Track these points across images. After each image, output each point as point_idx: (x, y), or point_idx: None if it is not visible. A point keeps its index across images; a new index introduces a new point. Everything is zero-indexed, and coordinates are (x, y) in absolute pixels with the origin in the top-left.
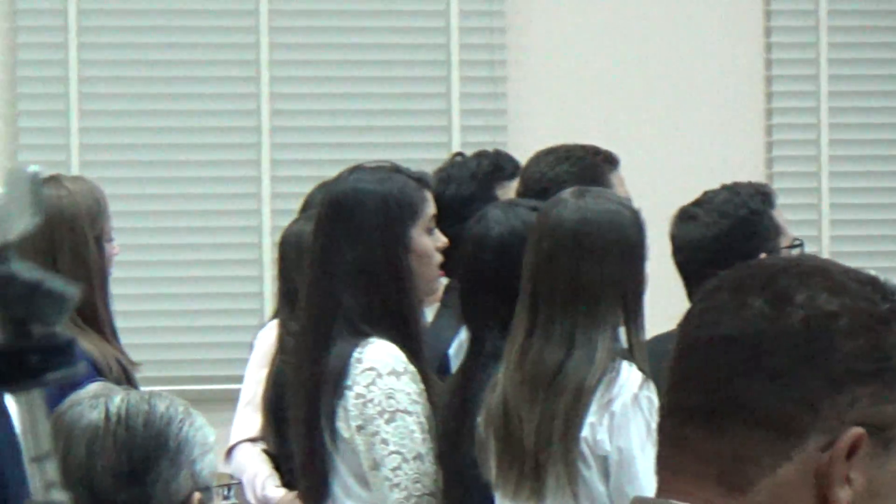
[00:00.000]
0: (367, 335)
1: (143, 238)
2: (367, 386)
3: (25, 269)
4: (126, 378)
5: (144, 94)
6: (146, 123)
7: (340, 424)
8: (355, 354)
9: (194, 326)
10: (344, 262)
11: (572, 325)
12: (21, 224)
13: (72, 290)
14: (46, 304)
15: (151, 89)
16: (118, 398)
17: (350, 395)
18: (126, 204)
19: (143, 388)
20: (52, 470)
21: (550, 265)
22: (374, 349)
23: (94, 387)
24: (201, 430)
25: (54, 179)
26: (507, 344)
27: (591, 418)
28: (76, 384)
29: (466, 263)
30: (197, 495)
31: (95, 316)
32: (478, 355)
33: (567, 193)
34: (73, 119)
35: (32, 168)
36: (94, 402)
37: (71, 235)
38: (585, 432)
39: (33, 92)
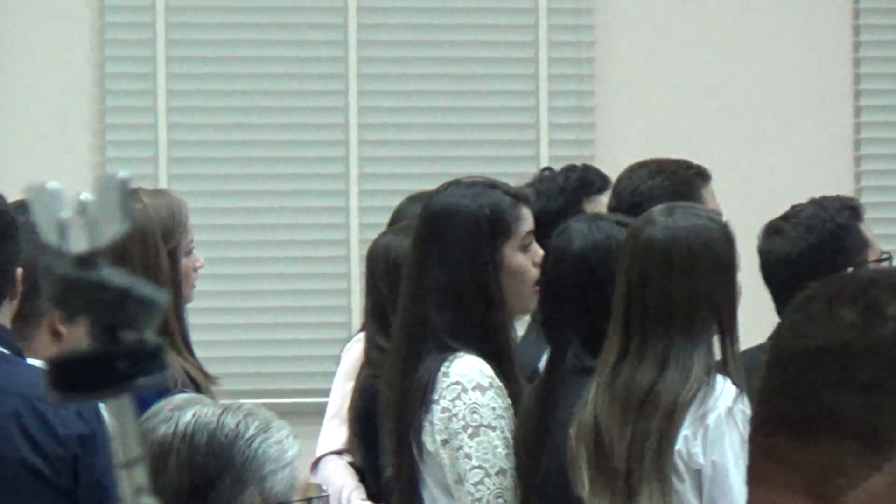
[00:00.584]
0: (455, 350)
1: (231, 251)
2: (452, 400)
3: (115, 276)
4: (197, 392)
5: (232, 107)
6: (234, 136)
7: (427, 438)
8: (442, 369)
9: (283, 340)
10: (434, 277)
11: (666, 344)
12: (110, 230)
13: (162, 297)
14: (136, 310)
15: (239, 102)
16: (191, 412)
17: (436, 410)
18: (214, 217)
19: (227, 401)
20: (141, 475)
21: (642, 285)
22: (460, 364)
23: (180, 397)
24: (278, 445)
25: (133, 192)
26: (598, 364)
27: (685, 431)
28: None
29: (547, 276)
30: None
31: (167, 328)
32: (557, 368)
33: (656, 211)
34: (160, 132)
35: (121, 174)
36: (170, 414)
37: (142, 248)
38: (679, 445)
39: (121, 105)
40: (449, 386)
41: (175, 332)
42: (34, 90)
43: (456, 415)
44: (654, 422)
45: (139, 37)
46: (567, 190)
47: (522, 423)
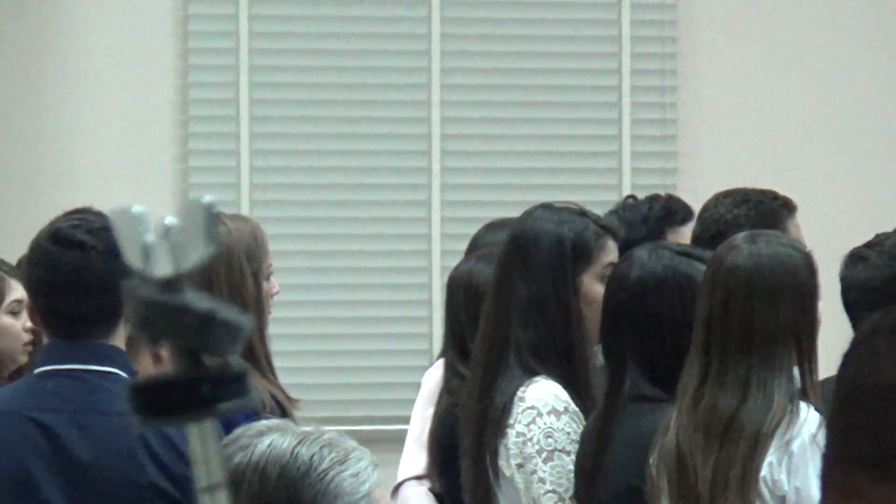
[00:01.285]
0: (535, 372)
1: (312, 278)
2: (527, 424)
3: (199, 300)
4: (283, 414)
5: (314, 133)
6: (316, 163)
7: (502, 462)
8: (519, 393)
9: (364, 367)
10: (517, 298)
11: (747, 371)
12: (195, 254)
13: (245, 321)
14: (220, 334)
15: (321, 129)
16: (267, 442)
17: (511, 434)
18: (296, 243)
19: (309, 429)
20: (223, 500)
21: (724, 312)
22: (536, 388)
23: (261, 424)
24: (353, 478)
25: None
26: (678, 391)
27: (770, 458)
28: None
29: (606, 302)
30: None
31: (252, 350)
32: (614, 395)
33: (740, 238)
34: (243, 158)
35: (207, 198)
36: (248, 442)
37: (228, 270)
38: (764, 472)
39: (204, 131)
40: (524, 410)
41: (260, 355)
42: (117, 117)
43: (531, 439)
44: (737, 450)
45: (222, 62)
46: (650, 220)
47: (581, 450)
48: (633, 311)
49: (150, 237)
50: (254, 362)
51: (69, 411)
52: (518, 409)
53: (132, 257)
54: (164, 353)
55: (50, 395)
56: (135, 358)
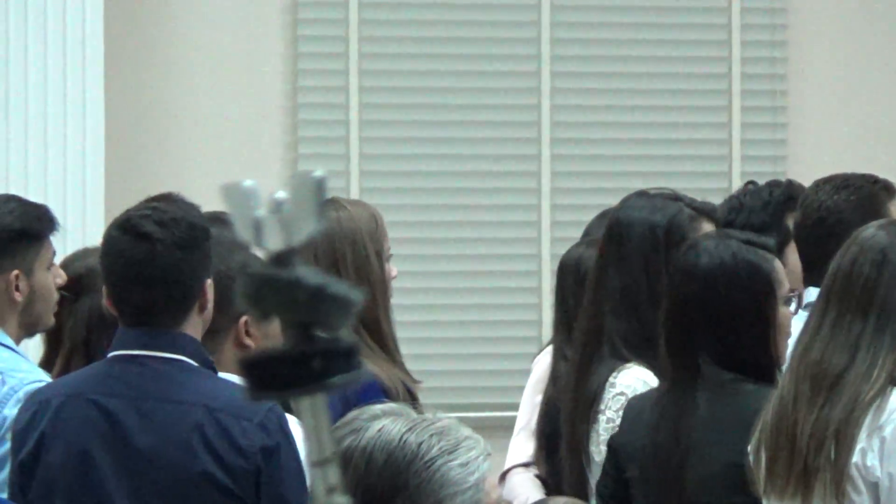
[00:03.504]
0: (627, 360)
1: (421, 265)
2: (616, 410)
3: (310, 274)
4: (412, 399)
5: (423, 121)
6: (425, 150)
7: (593, 448)
8: (610, 379)
9: (473, 354)
10: (612, 284)
11: (859, 332)
12: (305, 229)
13: (356, 295)
14: (331, 308)
15: (430, 116)
16: (377, 427)
17: (602, 420)
18: (405, 231)
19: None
20: (333, 474)
21: (851, 270)
22: (627, 374)
23: (376, 408)
24: (462, 468)
25: (334, 201)
26: (794, 343)
27: (861, 444)
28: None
29: (672, 292)
30: None
31: (380, 331)
32: (683, 383)
33: (884, 221)
34: (352, 145)
35: (317, 173)
36: (359, 425)
37: (353, 250)
38: (856, 458)
39: (313, 118)
40: (614, 396)
41: (387, 337)
42: (228, 94)
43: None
44: (835, 412)
45: (332, 50)
46: (771, 204)
47: (651, 438)
48: (704, 301)
49: (261, 212)
50: (381, 344)
51: (131, 397)
52: (608, 394)
53: (243, 232)
54: (250, 342)
55: (115, 381)
56: (218, 349)
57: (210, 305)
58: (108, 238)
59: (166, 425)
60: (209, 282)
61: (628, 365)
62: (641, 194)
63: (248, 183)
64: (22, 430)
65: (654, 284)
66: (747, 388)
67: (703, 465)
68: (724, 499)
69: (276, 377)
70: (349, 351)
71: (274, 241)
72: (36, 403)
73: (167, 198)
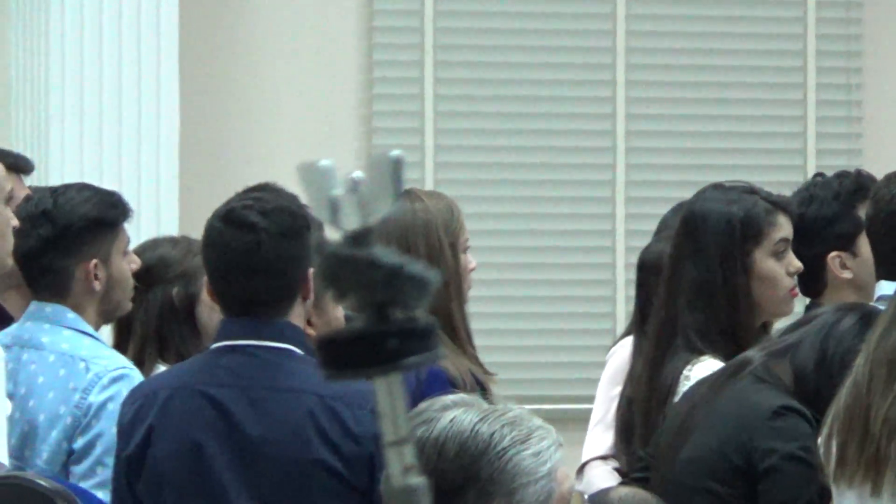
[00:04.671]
0: (701, 352)
1: (495, 257)
2: None
3: (386, 254)
4: (482, 391)
5: (498, 112)
6: (500, 142)
7: None
8: (685, 371)
9: (547, 346)
10: (687, 277)
11: None
12: (382, 208)
13: (432, 275)
14: (407, 288)
15: (505, 108)
16: (449, 417)
17: None
18: (479, 222)
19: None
20: (409, 454)
21: None
22: (701, 367)
23: (448, 398)
24: (534, 458)
25: (409, 192)
26: (872, 329)
27: None
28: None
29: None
30: None
31: (451, 322)
32: (725, 373)
33: None
34: (427, 137)
35: (394, 152)
36: (432, 416)
37: (426, 241)
38: None
39: (388, 109)
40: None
41: (459, 328)
42: (304, 74)
43: None
44: None
45: (406, 42)
46: (842, 195)
47: (669, 419)
48: None
49: (338, 191)
50: (452, 335)
51: (241, 387)
52: (683, 387)
53: (319, 212)
54: (310, 330)
55: (223, 371)
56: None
57: (312, 295)
58: (211, 229)
59: (278, 414)
60: (311, 270)
61: (703, 357)
62: (717, 187)
63: (324, 162)
64: (128, 424)
65: (729, 277)
66: (758, 386)
67: (694, 448)
68: (701, 483)
69: (352, 357)
70: (425, 331)
71: (350, 221)
72: (141, 397)
73: (266, 187)
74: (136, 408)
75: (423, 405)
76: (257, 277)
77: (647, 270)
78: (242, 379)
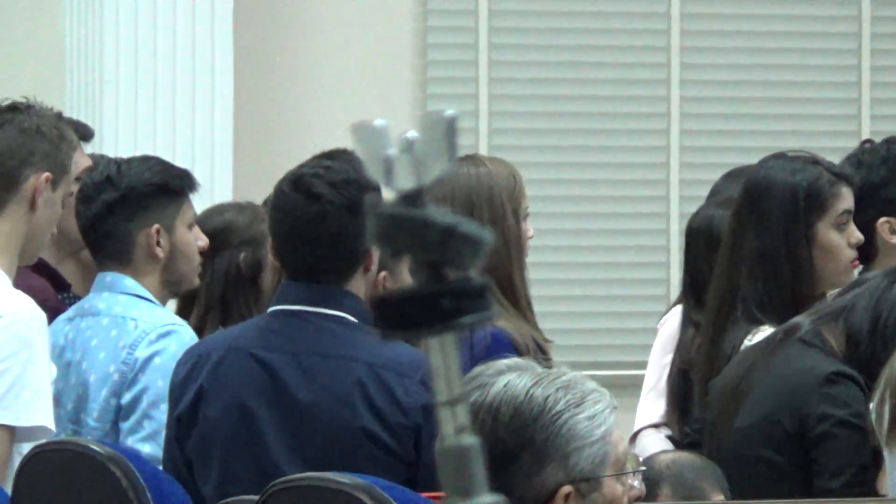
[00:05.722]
0: (761, 322)
1: (549, 223)
2: None
3: (440, 214)
4: (543, 355)
5: (552, 78)
6: (554, 109)
7: None
8: (745, 341)
9: (601, 312)
10: (748, 249)
11: None
12: (437, 168)
13: (486, 234)
14: (461, 247)
15: (559, 74)
16: (503, 382)
17: None
18: (533, 189)
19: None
20: (463, 414)
21: None
22: (761, 336)
23: (502, 363)
24: (588, 421)
25: (472, 157)
26: None
27: None
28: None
29: None
30: (566, 489)
31: (512, 288)
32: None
33: None
34: (482, 103)
35: (449, 112)
36: (486, 381)
37: (489, 206)
38: None
39: (442, 75)
40: None
41: (520, 294)
42: (358, 36)
43: None
44: None
45: (462, 7)
46: (890, 160)
47: (723, 383)
48: None
49: (393, 151)
50: (514, 302)
51: (293, 351)
52: None
53: (374, 172)
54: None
55: (276, 335)
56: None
57: (374, 267)
58: (279, 194)
59: (328, 381)
60: None
61: (763, 327)
62: (780, 156)
63: (378, 122)
64: (180, 383)
65: (792, 247)
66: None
67: (747, 416)
68: (756, 451)
69: (407, 316)
70: (480, 291)
71: (404, 181)
72: (194, 356)
73: (340, 155)
74: (189, 368)
75: (477, 370)
76: (320, 247)
77: (695, 236)
78: (295, 344)
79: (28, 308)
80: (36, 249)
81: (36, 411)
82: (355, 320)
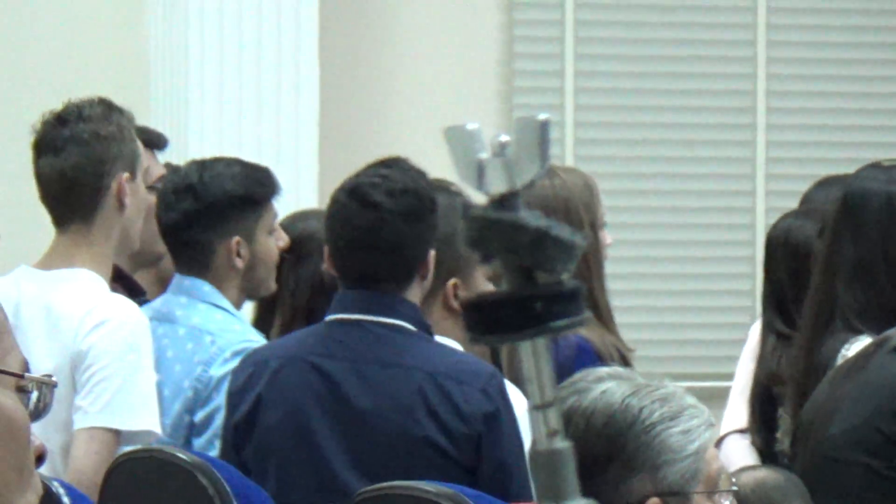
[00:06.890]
0: (860, 332)
1: (634, 234)
2: None
3: (532, 217)
4: (625, 365)
5: (638, 88)
6: (639, 119)
7: None
8: (843, 350)
9: (687, 323)
10: (845, 258)
11: None
12: (529, 172)
13: (579, 239)
14: (553, 251)
15: (645, 84)
16: (600, 389)
17: None
18: (618, 199)
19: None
20: (555, 418)
21: None
22: (859, 346)
23: (602, 370)
24: (682, 435)
25: (548, 168)
26: None
27: None
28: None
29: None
30: (653, 501)
31: (593, 299)
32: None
33: None
34: (567, 113)
35: (541, 116)
36: (584, 386)
37: (566, 218)
38: None
39: (529, 85)
40: None
41: (601, 305)
42: (444, 41)
43: None
44: None
45: (548, 17)
46: None
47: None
48: None
49: (485, 154)
50: (595, 312)
51: (351, 360)
52: None
53: (466, 175)
54: (455, 304)
55: (334, 343)
56: (426, 310)
57: (430, 275)
58: (336, 202)
59: (387, 389)
60: (432, 252)
61: (861, 336)
62: (876, 166)
63: (471, 125)
64: (238, 390)
65: (891, 256)
66: None
67: (843, 422)
68: (853, 457)
69: (498, 321)
70: (572, 295)
71: (496, 185)
72: (252, 364)
73: (396, 163)
74: (247, 376)
75: (577, 375)
76: (376, 255)
77: (774, 246)
78: (353, 352)
79: (133, 312)
80: (134, 237)
81: (143, 415)
82: (413, 328)
